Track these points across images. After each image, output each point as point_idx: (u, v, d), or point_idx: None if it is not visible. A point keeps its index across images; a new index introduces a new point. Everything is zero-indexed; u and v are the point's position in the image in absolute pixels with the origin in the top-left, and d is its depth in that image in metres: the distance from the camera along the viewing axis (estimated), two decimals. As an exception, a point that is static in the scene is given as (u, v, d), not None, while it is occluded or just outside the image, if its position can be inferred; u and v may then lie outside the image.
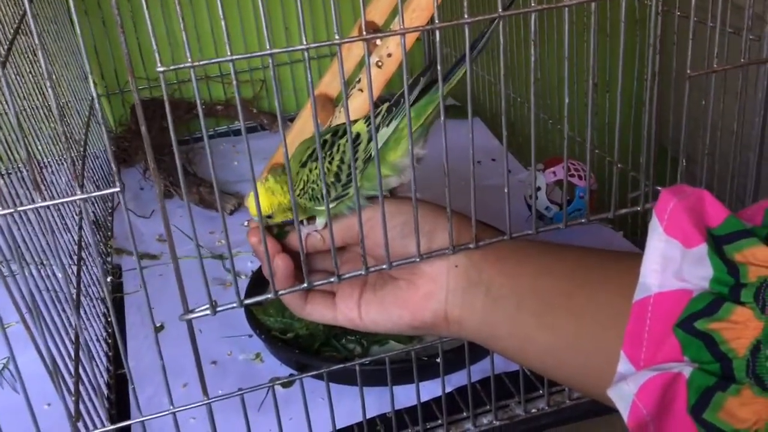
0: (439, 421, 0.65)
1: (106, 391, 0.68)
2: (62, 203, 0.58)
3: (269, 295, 0.46)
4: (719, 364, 0.32)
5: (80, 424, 0.50)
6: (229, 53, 0.38)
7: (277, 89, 0.40)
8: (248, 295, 0.78)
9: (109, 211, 1.01)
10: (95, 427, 0.52)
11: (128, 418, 0.52)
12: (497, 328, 0.45)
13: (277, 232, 0.49)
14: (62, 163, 0.76)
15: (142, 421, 0.49)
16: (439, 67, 0.43)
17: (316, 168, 0.48)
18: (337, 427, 0.62)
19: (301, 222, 0.49)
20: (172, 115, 0.39)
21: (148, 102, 1.19)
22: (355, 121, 0.49)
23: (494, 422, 0.65)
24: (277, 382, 0.55)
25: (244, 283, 0.84)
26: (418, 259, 0.46)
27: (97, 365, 0.67)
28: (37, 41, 0.37)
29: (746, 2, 0.60)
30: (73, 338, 0.57)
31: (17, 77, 0.69)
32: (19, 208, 0.41)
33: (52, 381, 0.46)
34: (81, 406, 0.52)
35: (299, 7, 0.38)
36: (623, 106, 0.51)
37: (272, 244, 0.47)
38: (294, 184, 0.49)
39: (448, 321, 0.48)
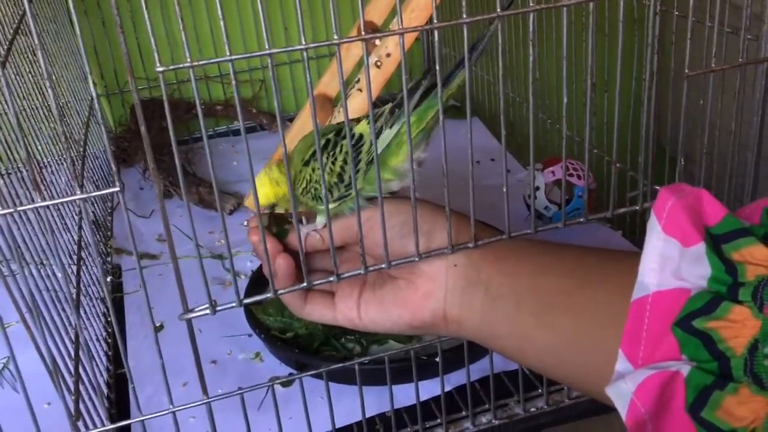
0: (438, 420, 0.65)
1: (105, 391, 0.68)
2: (62, 203, 0.58)
3: (269, 295, 0.46)
4: (717, 362, 0.32)
5: (80, 424, 0.50)
6: (228, 53, 0.38)
7: (277, 89, 0.40)
8: (248, 294, 0.78)
9: (109, 211, 1.01)
10: (95, 427, 0.53)
11: (128, 417, 0.52)
12: (496, 327, 0.45)
13: (276, 231, 0.49)
14: (62, 163, 0.76)
15: (142, 421, 0.49)
16: (438, 67, 0.43)
17: (318, 168, 0.48)
18: (337, 427, 0.62)
19: (301, 222, 0.49)
20: (171, 115, 0.39)
21: (148, 102, 1.19)
22: (358, 120, 0.49)
23: (493, 421, 0.65)
24: (277, 381, 0.55)
25: (243, 282, 0.85)
26: (417, 259, 0.47)
27: (97, 365, 0.67)
28: (36, 41, 0.37)
29: (744, 2, 0.60)
30: (73, 338, 0.57)
31: (17, 77, 0.69)
32: (18, 208, 0.41)
33: (52, 380, 0.46)
34: (81, 406, 0.52)
35: (298, 7, 0.39)
36: (622, 105, 0.51)
37: (273, 244, 0.47)
38: (297, 182, 0.49)
39: (447, 320, 0.48)
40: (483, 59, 1.20)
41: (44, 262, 0.56)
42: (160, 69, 0.37)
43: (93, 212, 0.92)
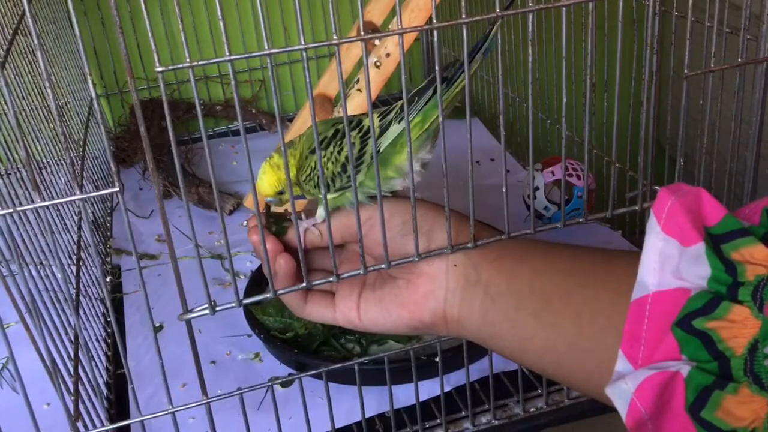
0: (438, 421, 0.65)
1: (105, 391, 0.68)
2: (61, 203, 0.58)
3: (268, 295, 0.46)
4: (717, 362, 0.32)
5: (80, 424, 0.50)
6: (227, 53, 0.38)
7: (276, 89, 0.40)
8: (247, 295, 0.78)
9: (109, 211, 1.01)
10: (95, 427, 0.52)
11: (127, 417, 0.52)
12: (496, 327, 0.45)
13: (275, 228, 0.49)
14: (61, 164, 0.76)
15: (142, 421, 0.49)
16: (437, 67, 0.43)
17: (324, 156, 0.48)
18: (336, 427, 0.62)
19: (300, 217, 0.49)
20: (170, 116, 0.39)
21: (147, 102, 1.19)
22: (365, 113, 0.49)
23: (493, 421, 0.65)
24: (276, 381, 0.55)
25: (243, 283, 0.84)
26: (416, 259, 0.47)
27: (97, 365, 0.67)
28: (36, 42, 0.37)
29: (743, 2, 0.60)
30: (72, 338, 0.57)
31: (16, 78, 0.69)
32: (18, 209, 0.41)
33: (52, 381, 0.46)
34: (80, 406, 0.52)
35: (298, 8, 0.39)
36: (621, 105, 0.51)
37: (273, 244, 0.47)
38: (302, 168, 0.49)
39: (446, 320, 0.48)
40: (482, 59, 1.20)
41: (44, 262, 0.56)
42: (160, 69, 0.37)
43: (92, 212, 0.92)
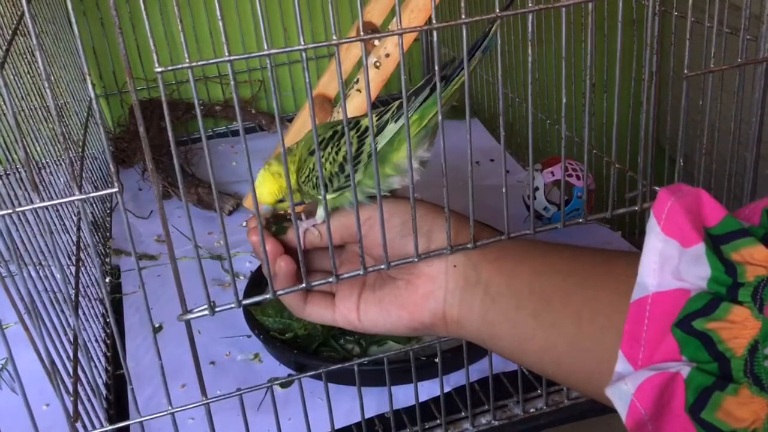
0: (438, 421, 0.65)
1: (104, 392, 0.68)
2: (60, 204, 0.58)
3: (268, 296, 0.46)
4: (717, 363, 0.32)
5: (79, 425, 0.50)
6: (227, 54, 0.38)
7: (276, 90, 0.40)
8: (247, 295, 0.78)
9: (108, 211, 1.01)
10: (94, 428, 0.52)
11: (127, 418, 0.52)
12: (496, 327, 0.45)
13: (275, 229, 0.49)
14: (60, 164, 0.76)
15: (141, 422, 0.49)
16: (437, 67, 0.43)
17: (322, 157, 0.48)
18: (336, 428, 0.62)
19: (300, 218, 0.49)
20: (170, 116, 0.39)
21: (147, 103, 1.19)
22: (366, 115, 0.49)
23: (493, 422, 0.65)
24: (276, 382, 0.55)
25: (242, 283, 0.84)
26: (416, 259, 0.47)
27: (96, 366, 0.67)
28: (35, 42, 0.37)
29: (743, 2, 0.60)
30: (71, 339, 0.57)
31: (15, 78, 0.69)
32: (17, 209, 0.41)
33: (51, 381, 0.46)
34: (80, 407, 0.52)
35: (297, 8, 0.38)
36: (621, 106, 0.51)
37: (273, 245, 0.47)
38: (301, 170, 0.49)
39: (446, 321, 0.48)
40: (482, 59, 1.21)
41: (43, 263, 0.56)
42: (159, 69, 0.37)
43: (92, 213, 0.92)
